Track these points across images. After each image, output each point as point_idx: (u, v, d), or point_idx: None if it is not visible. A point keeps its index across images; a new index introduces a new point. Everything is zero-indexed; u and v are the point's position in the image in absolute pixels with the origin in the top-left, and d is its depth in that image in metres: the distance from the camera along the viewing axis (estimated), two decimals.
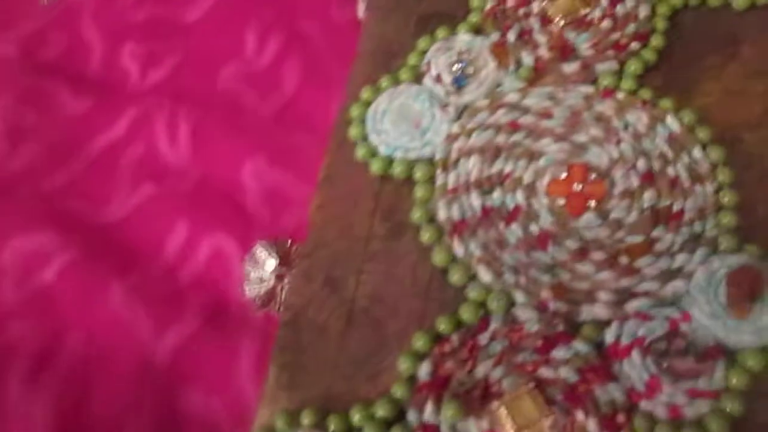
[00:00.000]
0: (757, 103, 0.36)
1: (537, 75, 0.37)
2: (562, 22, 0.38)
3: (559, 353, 0.30)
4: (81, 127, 0.44)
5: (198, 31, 0.46)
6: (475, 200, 0.34)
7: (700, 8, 0.39)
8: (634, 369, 0.30)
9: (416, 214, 0.34)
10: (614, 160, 0.34)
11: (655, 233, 0.33)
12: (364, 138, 0.36)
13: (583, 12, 0.38)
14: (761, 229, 0.33)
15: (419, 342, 0.31)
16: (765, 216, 0.33)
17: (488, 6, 0.39)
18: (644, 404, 0.29)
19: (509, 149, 0.35)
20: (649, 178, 0.34)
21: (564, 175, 0.34)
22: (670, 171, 0.34)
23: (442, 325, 0.31)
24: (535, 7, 0.39)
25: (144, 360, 0.35)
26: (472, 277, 0.32)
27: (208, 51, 0.45)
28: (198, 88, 0.44)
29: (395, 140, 0.36)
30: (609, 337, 0.30)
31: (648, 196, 0.33)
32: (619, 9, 0.38)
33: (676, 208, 0.33)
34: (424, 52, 0.38)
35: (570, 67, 0.37)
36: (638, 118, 0.35)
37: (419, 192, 0.34)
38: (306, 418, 0.30)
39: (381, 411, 0.30)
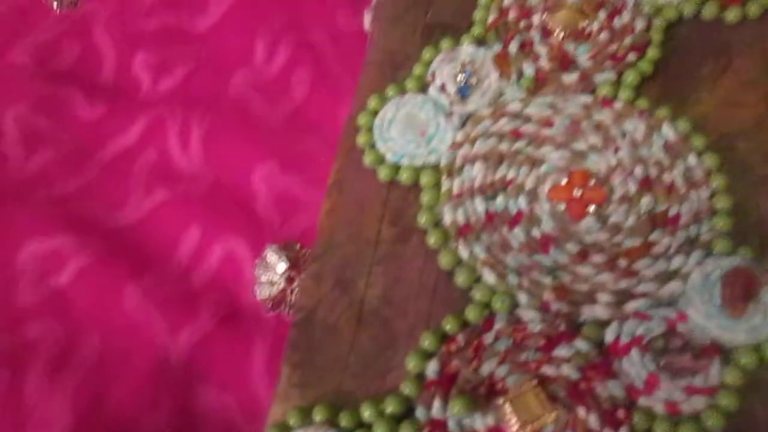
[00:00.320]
0: (750, 112, 0.37)
1: (538, 85, 0.38)
2: (561, 35, 0.40)
3: (561, 352, 0.31)
4: (94, 134, 0.45)
5: (209, 39, 0.47)
6: (479, 205, 0.35)
7: (694, 21, 0.40)
8: (634, 367, 0.31)
9: (422, 219, 0.35)
10: (613, 166, 0.36)
11: (653, 237, 0.34)
12: (372, 145, 0.37)
13: (582, 24, 0.40)
14: (754, 232, 0.34)
15: (427, 341, 0.32)
16: (758, 220, 0.34)
17: (491, 18, 0.41)
18: (643, 400, 0.30)
19: (512, 156, 0.37)
20: (646, 184, 0.35)
21: (565, 181, 0.35)
22: (667, 177, 0.35)
23: (449, 325, 0.32)
24: (536, 19, 0.40)
25: (159, 359, 0.37)
26: (477, 279, 0.33)
27: (218, 59, 0.46)
28: (209, 96, 0.45)
29: (402, 148, 0.37)
30: (609, 336, 0.32)
31: (645, 202, 0.35)
32: (617, 22, 0.40)
33: (672, 212, 0.34)
34: (428, 63, 0.40)
35: (570, 78, 0.38)
36: (636, 127, 0.37)
37: (425, 197, 0.36)
38: (318, 415, 0.31)
39: (390, 407, 0.31)
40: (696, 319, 0.32)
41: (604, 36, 0.39)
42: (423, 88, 0.39)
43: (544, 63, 0.39)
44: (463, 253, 0.34)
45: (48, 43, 0.48)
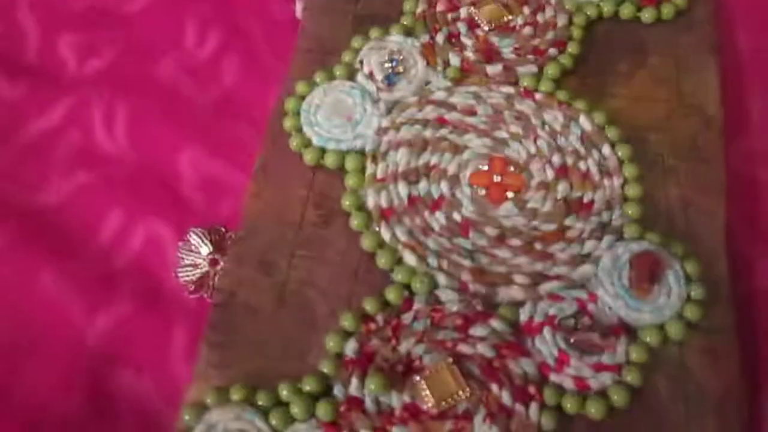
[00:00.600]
0: (661, 108, 0.39)
1: (463, 75, 0.39)
2: (487, 27, 0.41)
3: (477, 331, 0.32)
4: (15, 113, 0.44)
5: (137, 22, 0.46)
6: (402, 189, 0.36)
7: (613, 20, 0.42)
8: (545, 345, 0.32)
9: (346, 202, 0.36)
10: (532, 154, 0.37)
11: (567, 222, 0.35)
12: (299, 129, 0.38)
13: (507, 19, 0.41)
14: (662, 219, 0.36)
15: (346, 321, 0.33)
16: (666, 208, 0.36)
17: (419, 9, 0.42)
18: (554, 377, 0.31)
19: (435, 143, 0.37)
20: (563, 172, 0.37)
21: (485, 167, 0.36)
22: (582, 166, 0.37)
23: (369, 306, 0.33)
24: (463, 12, 0.41)
25: (75, 342, 0.36)
26: (399, 261, 0.34)
27: (147, 42, 0.45)
28: (136, 78, 0.44)
29: (328, 132, 0.37)
30: (523, 316, 0.33)
31: (561, 188, 0.36)
32: (540, 17, 0.41)
33: (586, 199, 0.36)
34: (358, 51, 0.40)
35: (493, 69, 0.39)
36: (554, 118, 0.38)
37: (350, 181, 0.36)
38: (235, 394, 0.31)
39: (308, 386, 0.31)
40: (605, 300, 0.33)
41: (527, 30, 0.41)
42: (351, 75, 0.39)
43: (470, 54, 0.40)
44: (385, 235, 0.34)
45: None
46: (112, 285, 0.37)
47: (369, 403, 0.31)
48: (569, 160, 0.37)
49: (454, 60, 0.40)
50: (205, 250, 0.38)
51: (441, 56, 0.40)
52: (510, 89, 0.39)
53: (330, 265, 0.35)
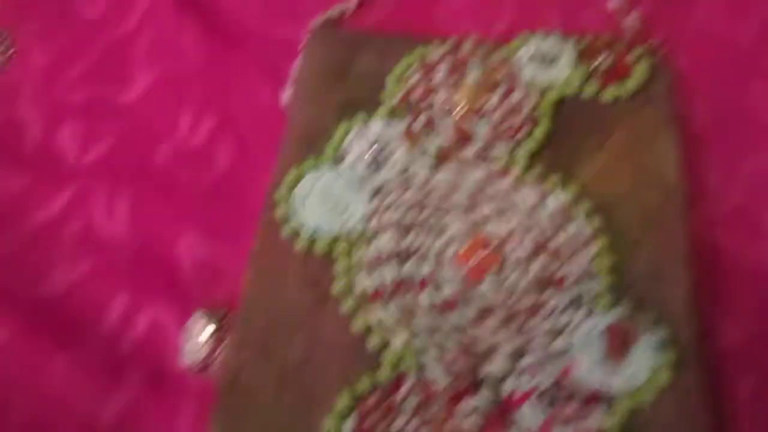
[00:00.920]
0: (627, 180, 0.42)
1: (441, 158, 0.42)
2: (462, 112, 0.44)
3: (463, 406, 0.35)
4: (17, 204, 0.46)
5: (135, 111, 0.49)
6: (388, 273, 0.38)
7: (576, 100, 0.45)
8: (528, 417, 0.35)
9: (336, 287, 0.38)
10: (508, 232, 0.40)
11: (544, 296, 0.38)
12: (289, 219, 0.40)
13: (481, 101, 0.44)
14: (633, 287, 0.38)
15: (343, 402, 0.35)
16: (637, 275, 0.39)
17: (400, 95, 0.45)
18: None
19: (418, 225, 0.40)
20: (537, 248, 0.39)
21: (465, 247, 0.39)
22: (554, 242, 0.40)
23: (362, 386, 0.35)
24: (439, 98, 0.44)
25: (87, 428, 0.38)
26: (387, 344, 0.37)
27: (144, 130, 0.48)
28: (135, 166, 0.47)
29: (316, 220, 0.40)
30: (506, 389, 0.35)
31: (536, 265, 0.39)
32: (511, 100, 0.44)
33: (560, 274, 0.39)
34: (343, 138, 0.43)
35: (469, 151, 0.42)
36: (528, 195, 0.41)
37: (339, 266, 0.39)
38: None
39: None
40: (582, 370, 0.36)
41: (498, 114, 0.44)
42: (338, 161, 0.42)
43: (447, 138, 0.43)
44: (373, 320, 0.37)
45: None
46: (120, 370, 0.40)
47: None
48: (543, 236, 0.40)
49: (433, 144, 0.43)
50: (208, 332, 0.41)
51: (420, 141, 0.43)
52: (485, 170, 0.42)
53: (325, 347, 0.37)
